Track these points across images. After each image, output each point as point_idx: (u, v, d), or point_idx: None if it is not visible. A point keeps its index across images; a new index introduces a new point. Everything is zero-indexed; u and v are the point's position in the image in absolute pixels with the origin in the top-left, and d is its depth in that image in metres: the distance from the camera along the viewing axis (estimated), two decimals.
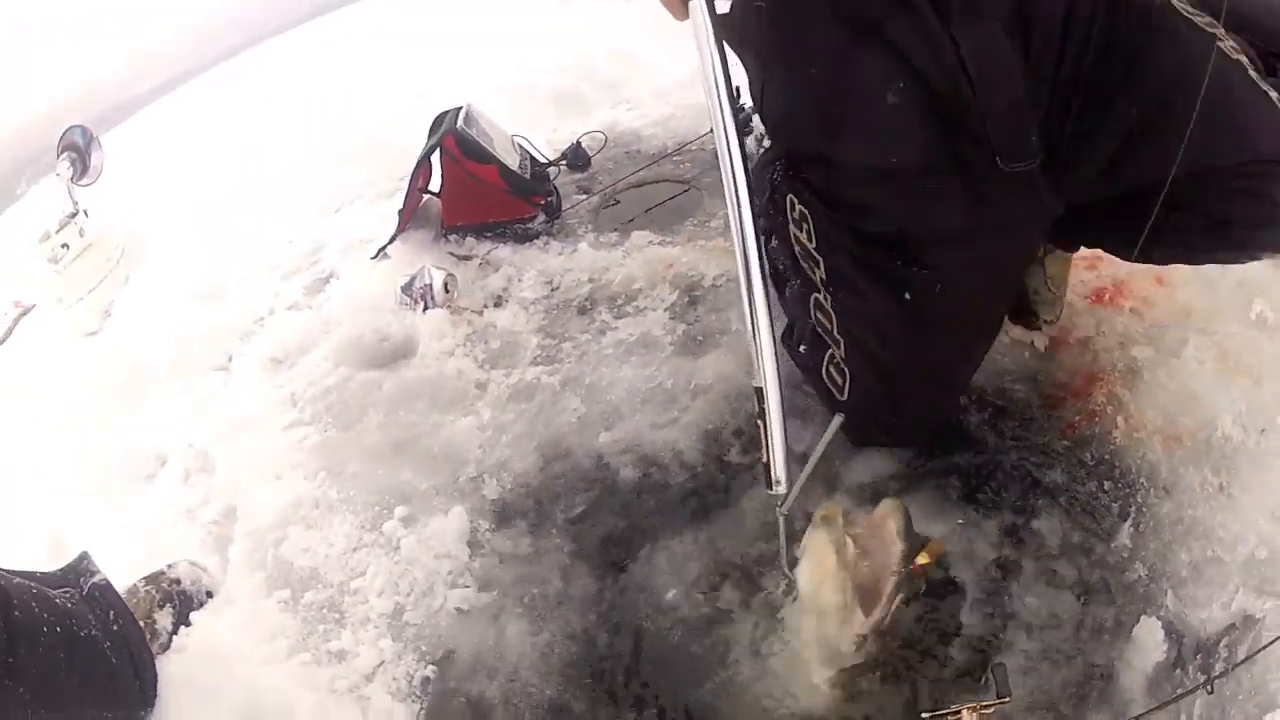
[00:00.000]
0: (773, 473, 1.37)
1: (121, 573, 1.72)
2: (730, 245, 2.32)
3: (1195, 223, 1.43)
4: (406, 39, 4.68)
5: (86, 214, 3.19)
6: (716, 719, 1.45)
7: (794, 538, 1.45)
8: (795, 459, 1.45)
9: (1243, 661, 1.41)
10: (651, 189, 2.82)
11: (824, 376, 1.66)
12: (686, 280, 2.31)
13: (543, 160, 2.92)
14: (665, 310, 2.22)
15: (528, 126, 3.18)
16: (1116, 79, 1.32)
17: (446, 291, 2.34)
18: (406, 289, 2.37)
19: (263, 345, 2.43)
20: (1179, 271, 2.13)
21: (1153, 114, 1.32)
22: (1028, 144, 1.36)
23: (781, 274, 1.83)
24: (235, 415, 2.18)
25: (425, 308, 2.32)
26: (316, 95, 4.34)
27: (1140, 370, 1.97)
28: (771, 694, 1.44)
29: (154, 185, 3.66)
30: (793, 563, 1.42)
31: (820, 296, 1.61)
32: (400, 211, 2.71)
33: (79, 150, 3.16)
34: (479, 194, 2.62)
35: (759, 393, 1.37)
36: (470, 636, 1.56)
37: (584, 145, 3.03)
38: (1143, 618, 1.53)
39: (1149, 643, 1.51)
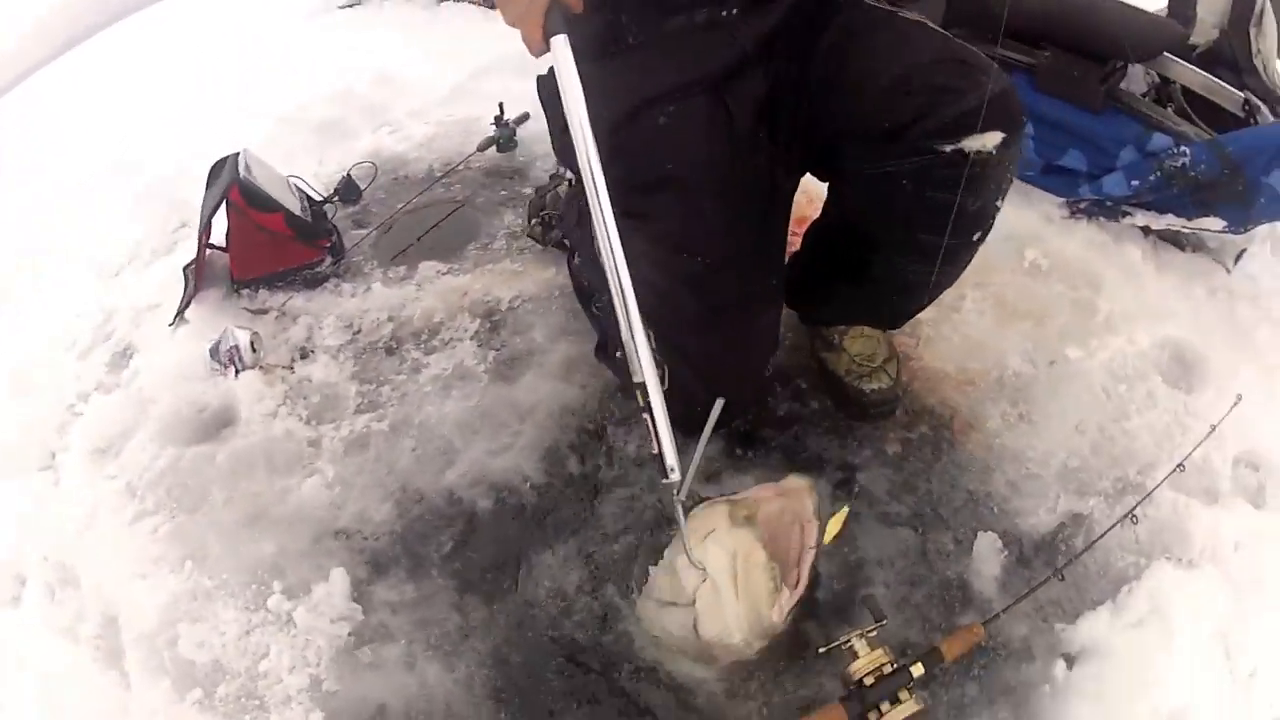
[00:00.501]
0: (666, 462, 1.46)
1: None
2: (516, 267, 2.50)
3: (888, 154, 1.57)
4: (154, 76, 4.51)
5: None
6: (650, 697, 1.62)
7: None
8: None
9: (1085, 550, 1.71)
10: (426, 213, 2.90)
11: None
12: (484, 306, 2.43)
13: (319, 199, 2.94)
14: (471, 339, 2.34)
15: (295, 158, 3.19)
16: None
17: (254, 351, 2.36)
18: (214, 354, 2.37)
19: (82, 436, 2.35)
20: None
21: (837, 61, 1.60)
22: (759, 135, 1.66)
23: (587, 289, 2.05)
24: (78, 517, 2.13)
25: (237, 371, 2.34)
26: (71, 143, 4.15)
27: (924, 328, 2.23)
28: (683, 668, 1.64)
29: None
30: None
31: None
32: (188, 269, 2.68)
33: None
34: (267, 244, 2.62)
35: (640, 387, 1.47)
36: (394, 689, 1.64)
37: (354, 178, 3.06)
38: (979, 534, 1.78)
39: (989, 552, 1.76)
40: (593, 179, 1.45)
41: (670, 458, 1.46)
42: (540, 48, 1.49)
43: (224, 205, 2.59)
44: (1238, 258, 2.52)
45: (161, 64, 4.59)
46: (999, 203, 1.67)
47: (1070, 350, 2.15)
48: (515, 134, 3.19)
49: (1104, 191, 2.51)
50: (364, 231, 2.84)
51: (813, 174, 1.83)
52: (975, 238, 1.73)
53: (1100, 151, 2.53)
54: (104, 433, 2.34)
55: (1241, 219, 2.36)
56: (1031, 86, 2.57)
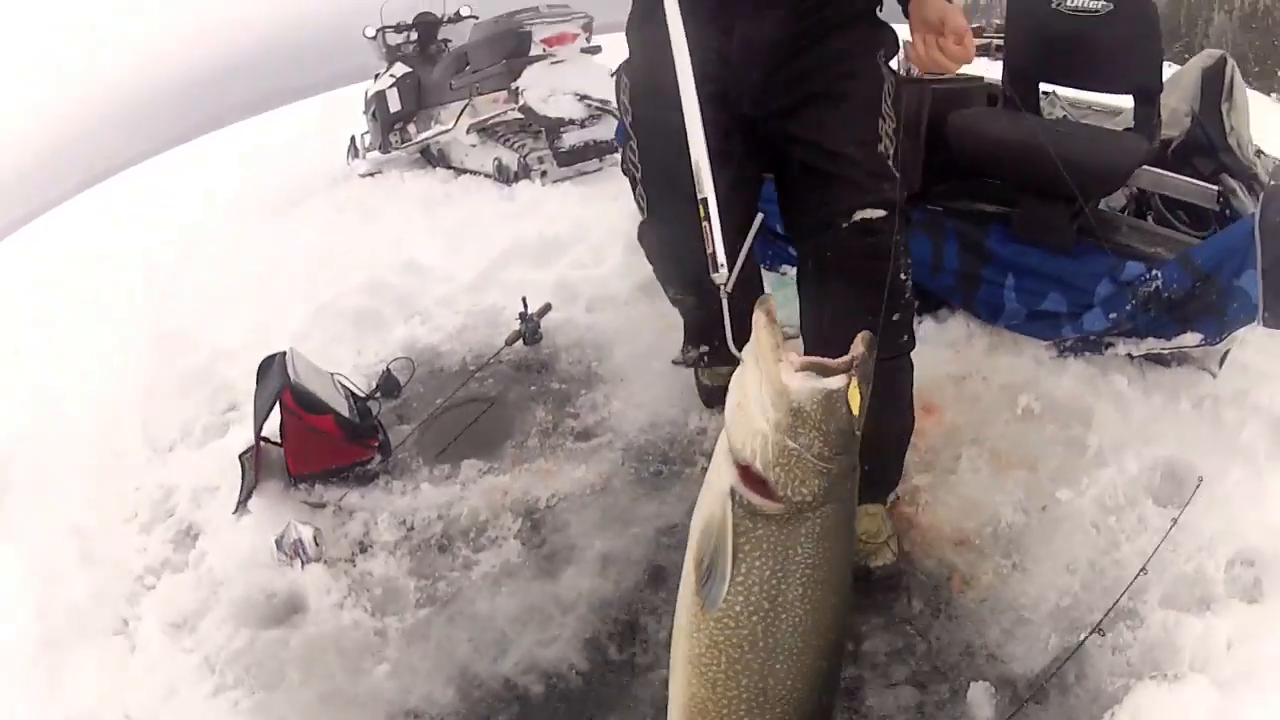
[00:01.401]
0: (716, 260, 1.82)
1: None
2: (550, 466, 2.85)
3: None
4: (202, 261, 4.95)
5: None
6: None
7: None
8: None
9: (1056, 668, 1.89)
10: (463, 410, 3.25)
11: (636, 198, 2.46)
12: (524, 505, 2.74)
13: (362, 395, 3.30)
14: (515, 538, 2.63)
15: (333, 349, 3.62)
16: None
17: (317, 545, 2.64)
18: (279, 545, 2.64)
19: (155, 609, 2.60)
20: (943, 396, 2.76)
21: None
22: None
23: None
24: (157, 685, 2.35)
25: (303, 563, 2.62)
26: (115, 311, 4.54)
27: (922, 494, 2.48)
28: None
29: None
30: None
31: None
32: (244, 458, 2.98)
33: None
34: (319, 444, 2.94)
35: (703, 202, 1.87)
36: None
37: (393, 372, 3.44)
38: (972, 684, 1.95)
39: (983, 700, 1.92)
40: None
41: (720, 255, 1.82)
42: None
43: (279, 406, 2.92)
44: (1222, 360, 2.69)
45: (208, 252, 5.02)
46: (902, 277, 2.16)
47: (1061, 493, 2.38)
48: (540, 327, 3.59)
49: (1084, 329, 2.71)
50: (407, 428, 3.19)
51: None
52: (895, 317, 2.17)
53: (1078, 290, 2.75)
54: (178, 609, 2.59)
55: (1217, 329, 2.52)
56: (1009, 237, 2.87)
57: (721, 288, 1.83)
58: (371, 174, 7.89)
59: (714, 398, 3.01)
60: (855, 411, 1.42)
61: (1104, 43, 2.98)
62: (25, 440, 3.66)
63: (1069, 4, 3.10)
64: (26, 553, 3.00)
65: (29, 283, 5.56)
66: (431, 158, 7.51)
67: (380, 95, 7.60)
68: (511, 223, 4.87)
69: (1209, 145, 3.03)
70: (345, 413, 3.05)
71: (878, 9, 2.27)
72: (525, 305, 3.59)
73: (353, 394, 3.26)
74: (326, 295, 4.11)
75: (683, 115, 1.92)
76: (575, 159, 5.76)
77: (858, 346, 1.45)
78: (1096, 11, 3.03)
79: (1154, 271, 2.56)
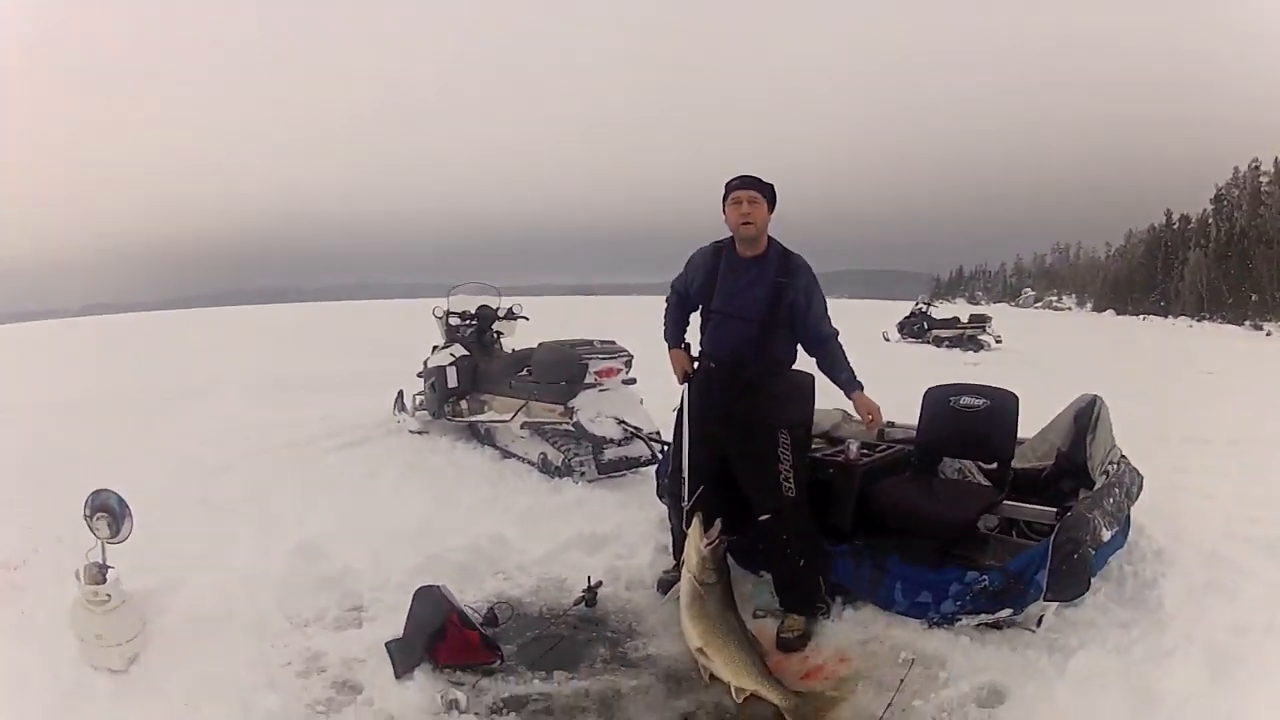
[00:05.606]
0: (685, 499, 5.10)
1: None
2: (614, 679, 4.97)
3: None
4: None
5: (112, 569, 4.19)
6: None
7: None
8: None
9: None
10: (544, 640, 5.21)
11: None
12: (601, 696, 4.34)
13: (479, 623, 5.21)
14: (597, 716, 4.39)
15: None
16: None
17: (465, 704, 4.50)
18: (443, 699, 4.45)
19: None
20: (854, 652, 4.59)
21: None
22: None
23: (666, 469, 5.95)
24: None
25: (459, 712, 4.39)
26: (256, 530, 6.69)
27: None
28: None
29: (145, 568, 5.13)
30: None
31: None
32: (390, 645, 4.88)
33: (113, 513, 4.20)
34: (469, 648, 4.86)
35: (682, 478, 5.28)
36: None
37: (496, 611, 5.36)
38: None
39: None
40: (684, 414, 5.37)
41: (687, 496, 5.15)
42: (681, 380, 5.35)
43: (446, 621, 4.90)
44: (1039, 622, 4.42)
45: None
46: (797, 542, 5.00)
47: (916, 701, 3.97)
48: (596, 596, 5.66)
49: (942, 612, 4.50)
50: (508, 646, 5.09)
51: None
52: (801, 564, 4.99)
53: (940, 589, 4.56)
54: None
55: (1021, 604, 4.30)
56: (899, 561, 4.80)
57: (685, 509, 4.97)
58: (420, 432, 10.53)
59: (662, 586, 5.58)
60: (719, 552, 4.51)
61: (980, 428, 5.41)
62: (177, 592, 5.12)
63: (961, 402, 5.65)
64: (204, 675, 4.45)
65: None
66: (477, 433, 10.08)
67: (441, 370, 10.23)
68: (566, 516, 7.17)
69: (1073, 471, 5.22)
70: (485, 632, 5.03)
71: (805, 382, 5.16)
72: (589, 581, 5.68)
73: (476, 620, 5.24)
74: (436, 548, 6.21)
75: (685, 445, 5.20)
76: (611, 469, 8.28)
77: (715, 528, 4.54)
78: (978, 408, 5.57)
79: (984, 576, 4.41)
